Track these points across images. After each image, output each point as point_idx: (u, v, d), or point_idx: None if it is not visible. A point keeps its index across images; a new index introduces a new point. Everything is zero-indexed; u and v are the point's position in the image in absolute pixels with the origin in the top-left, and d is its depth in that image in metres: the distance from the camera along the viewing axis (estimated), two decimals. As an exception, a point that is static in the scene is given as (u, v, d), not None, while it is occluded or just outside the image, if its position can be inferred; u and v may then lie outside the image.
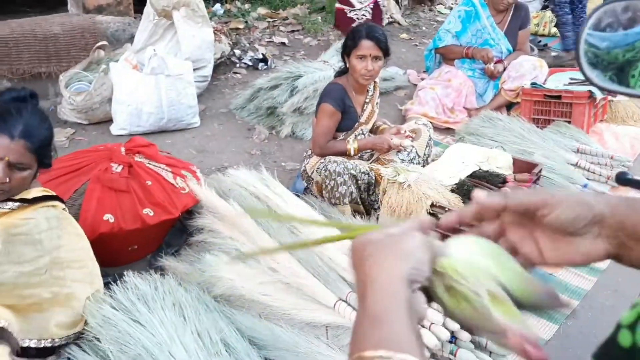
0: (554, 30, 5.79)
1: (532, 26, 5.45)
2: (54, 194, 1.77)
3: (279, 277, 1.83)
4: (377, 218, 2.41)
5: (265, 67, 4.34)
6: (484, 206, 0.57)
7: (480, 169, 2.48)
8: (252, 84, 3.74)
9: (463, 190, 2.36)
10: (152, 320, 1.62)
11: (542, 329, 1.92)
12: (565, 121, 3.34)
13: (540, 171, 2.60)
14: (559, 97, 3.40)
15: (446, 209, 2.22)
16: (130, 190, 2.15)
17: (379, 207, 2.42)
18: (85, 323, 1.72)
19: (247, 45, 4.64)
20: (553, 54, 5.15)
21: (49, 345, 1.66)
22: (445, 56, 4.03)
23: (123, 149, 2.33)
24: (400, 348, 0.46)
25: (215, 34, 3.95)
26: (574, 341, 1.89)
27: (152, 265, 2.10)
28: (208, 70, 3.78)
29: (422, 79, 4.21)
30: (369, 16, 4.83)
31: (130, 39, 3.83)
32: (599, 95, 3.40)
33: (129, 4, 4.33)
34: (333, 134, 2.61)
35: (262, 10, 5.42)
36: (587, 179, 2.87)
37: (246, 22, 5.07)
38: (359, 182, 2.43)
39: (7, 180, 1.59)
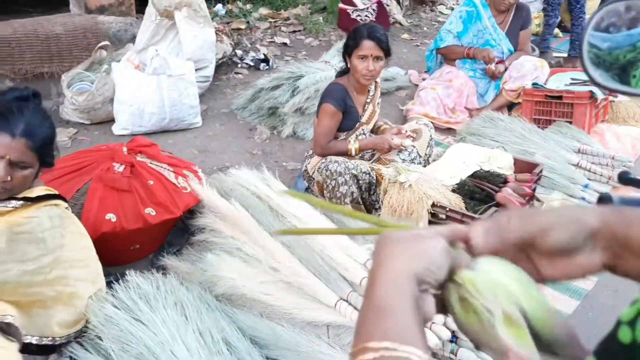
0: (556, 30, 5.79)
1: (534, 26, 5.45)
2: (56, 192, 1.78)
3: (280, 276, 1.84)
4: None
5: (267, 67, 4.35)
6: (481, 250, 0.57)
7: (481, 169, 2.48)
8: (253, 84, 3.75)
9: (464, 190, 2.36)
10: (154, 319, 1.62)
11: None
12: (567, 121, 3.34)
13: (541, 171, 2.60)
14: (560, 97, 3.40)
15: (447, 209, 2.22)
16: (132, 189, 2.16)
17: (380, 207, 2.43)
18: (87, 321, 1.73)
19: (249, 45, 4.64)
20: (554, 54, 5.15)
21: (50, 343, 1.67)
22: (447, 56, 4.03)
23: (125, 149, 2.34)
24: (405, 340, 0.46)
25: (217, 34, 3.95)
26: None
27: (154, 265, 2.10)
28: (210, 71, 3.79)
29: (424, 79, 4.21)
30: (372, 17, 4.82)
31: (132, 39, 3.84)
32: (600, 95, 3.40)
33: (130, 4, 4.34)
34: (334, 134, 2.61)
35: (263, 11, 5.43)
36: (588, 179, 2.87)
37: (248, 22, 5.07)
38: (360, 182, 2.43)
39: (9, 178, 1.59)
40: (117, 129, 3.30)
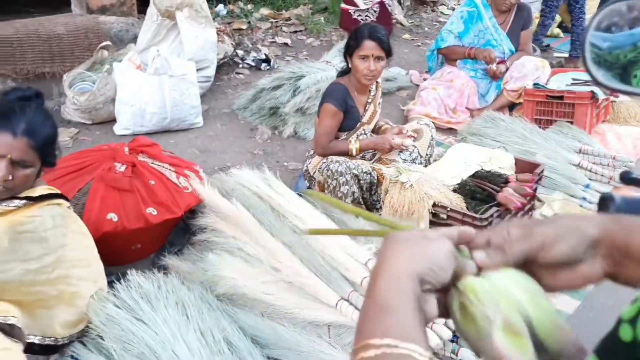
0: (557, 30, 5.79)
1: (535, 27, 5.45)
2: (58, 192, 1.78)
3: (282, 276, 1.84)
4: (379, 218, 2.41)
5: (268, 67, 4.35)
6: (487, 267, 0.57)
7: (482, 169, 2.48)
8: (254, 84, 3.75)
9: (465, 190, 2.36)
10: (156, 318, 1.63)
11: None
12: (568, 122, 3.34)
13: (542, 171, 2.60)
14: (561, 97, 3.40)
15: (448, 209, 2.23)
16: (133, 189, 2.16)
17: (381, 207, 2.43)
18: (88, 321, 1.73)
19: (250, 45, 4.65)
20: (555, 54, 5.15)
21: (52, 343, 1.67)
22: (448, 57, 4.03)
23: (127, 149, 2.34)
24: (407, 337, 0.46)
25: (218, 34, 3.96)
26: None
27: (155, 264, 2.11)
28: (211, 71, 3.79)
29: (425, 80, 4.21)
30: (373, 18, 4.82)
31: (134, 39, 3.84)
32: (601, 95, 3.40)
33: (132, 5, 4.34)
34: (335, 134, 2.62)
35: (264, 11, 5.43)
36: (589, 179, 2.87)
37: (249, 22, 5.08)
38: (361, 181, 2.43)
39: (10, 177, 1.59)
40: (118, 129, 3.30)
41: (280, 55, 4.67)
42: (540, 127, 3.29)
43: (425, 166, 2.63)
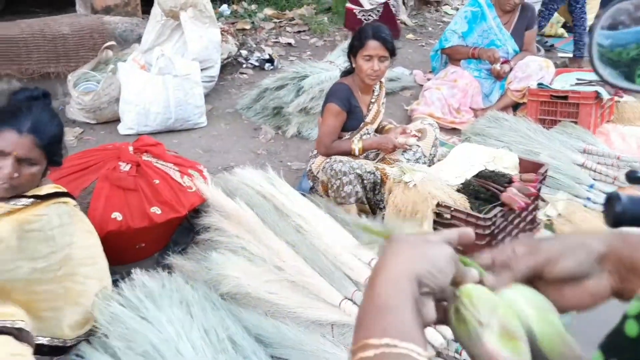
0: (561, 30, 5.77)
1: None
2: (65, 190, 1.79)
3: (285, 275, 1.84)
4: (383, 218, 2.42)
5: (272, 67, 4.36)
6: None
7: (486, 169, 2.48)
8: (258, 84, 3.76)
9: (469, 190, 2.36)
10: (160, 317, 1.63)
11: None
12: (572, 122, 3.33)
13: (546, 171, 2.60)
14: (565, 97, 3.39)
15: (452, 209, 2.22)
16: (138, 188, 2.17)
17: (384, 207, 2.43)
18: (94, 321, 1.74)
19: (254, 45, 4.65)
20: (559, 54, 5.14)
21: (61, 344, 1.68)
22: (452, 57, 4.03)
23: (131, 148, 2.35)
24: (405, 337, 0.47)
25: (222, 34, 3.97)
26: (577, 339, 1.88)
27: (160, 263, 2.11)
28: (215, 71, 3.80)
29: (428, 79, 4.21)
30: (376, 17, 4.82)
31: (138, 40, 3.86)
32: (605, 95, 3.39)
33: (136, 5, 4.36)
34: (338, 134, 2.62)
35: (268, 11, 5.44)
36: (594, 179, 2.86)
37: (253, 22, 5.08)
38: (365, 181, 2.43)
39: (16, 175, 1.60)
40: (122, 128, 3.31)
41: (283, 55, 4.67)
42: (544, 127, 3.28)
43: (429, 166, 2.63)
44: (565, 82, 3.61)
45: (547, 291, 0.57)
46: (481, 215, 2.17)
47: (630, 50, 0.68)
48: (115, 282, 1.84)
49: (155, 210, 2.13)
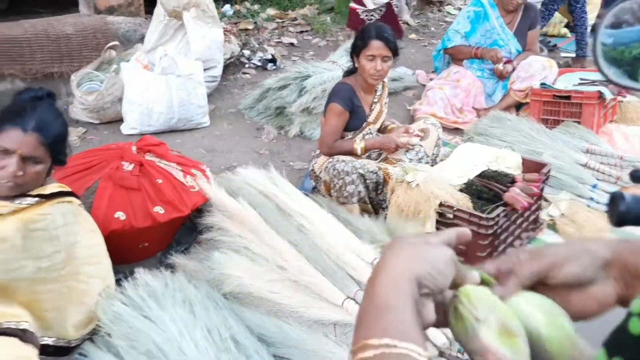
0: (564, 30, 5.76)
1: (541, 27, 5.44)
2: (69, 189, 1.79)
3: (288, 275, 1.84)
4: (385, 218, 2.42)
5: (274, 67, 4.36)
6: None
7: (489, 169, 2.48)
8: (261, 84, 3.77)
9: (472, 190, 2.36)
10: (163, 316, 1.63)
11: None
12: (575, 121, 3.32)
13: (549, 171, 2.59)
14: (568, 97, 3.38)
15: (454, 209, 2.22)
16: (141, 188, 2.17)
17: (387, 207, 2.43)
18: (98, 320, 1.74)
19: (256, 45, 4.66)
20: (562, 54, 5.13)
21: (65, 345, 1.68)
22: (454, 56, 4.02)
23: (134, 148, 2.35)
24: (405, 337, 0.47)
25: (224, 34, 3.97)
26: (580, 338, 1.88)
27: (163, 263, 2.12)
28: (218, 71, 3.80)
29: (431, 79, 4.20)
30: (378, 17, 4.82)
31: (141, 39, 3.87)
32: (608, 95, 3.39)
33: (139, 5, 4.37)
34: (341, 134, 2.62)
35: (271, 11, 5.45)
36: (597, 179, 2.86)
37: (255, 22, 5.09)
38: (367, 181, 2.43)
39: (21, 173, 1.61)
40: (125, 128, 3.32)
41: (286, 55, 4.68)
42: (547, 127, 3.27)
43: (432, 166, 2.63)
44: (568, 82, 3.61)
45: (553, 298, 0.57)
46: (484, 215, 2.17)
47: (633, 49, 0.68)
48: (118, 282, 1.84)
49: (158, 209, 2.14)
